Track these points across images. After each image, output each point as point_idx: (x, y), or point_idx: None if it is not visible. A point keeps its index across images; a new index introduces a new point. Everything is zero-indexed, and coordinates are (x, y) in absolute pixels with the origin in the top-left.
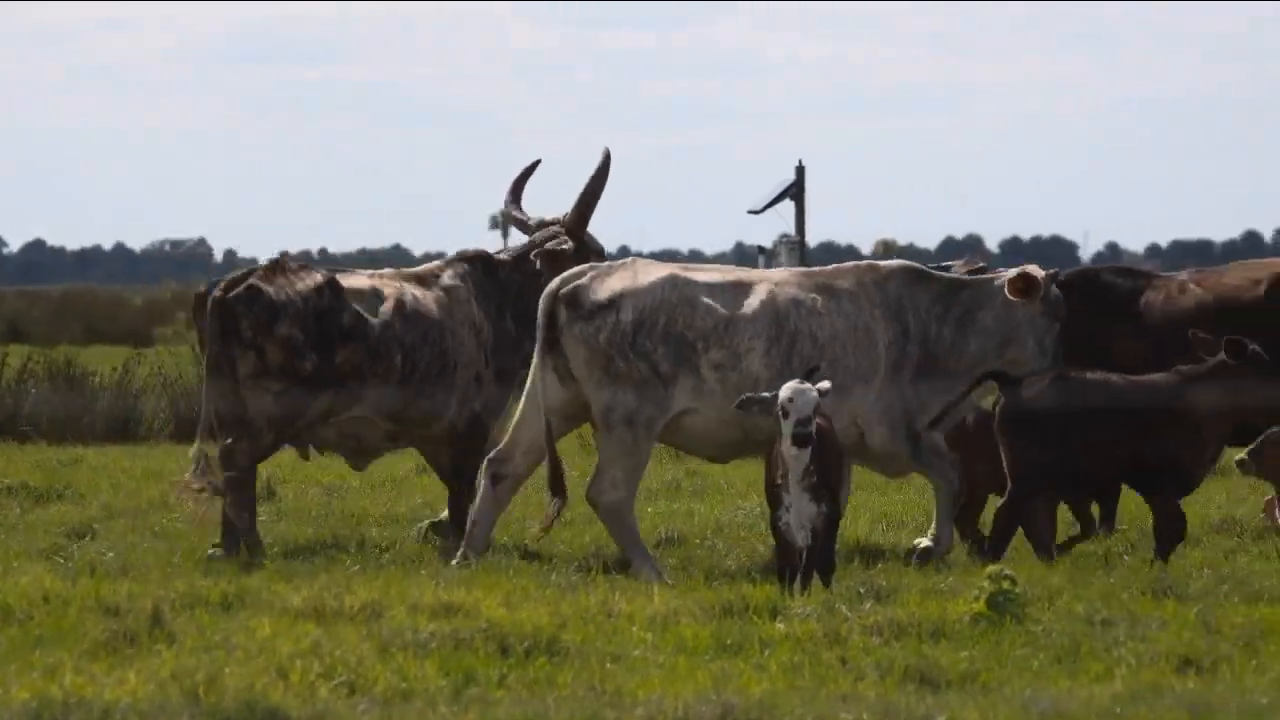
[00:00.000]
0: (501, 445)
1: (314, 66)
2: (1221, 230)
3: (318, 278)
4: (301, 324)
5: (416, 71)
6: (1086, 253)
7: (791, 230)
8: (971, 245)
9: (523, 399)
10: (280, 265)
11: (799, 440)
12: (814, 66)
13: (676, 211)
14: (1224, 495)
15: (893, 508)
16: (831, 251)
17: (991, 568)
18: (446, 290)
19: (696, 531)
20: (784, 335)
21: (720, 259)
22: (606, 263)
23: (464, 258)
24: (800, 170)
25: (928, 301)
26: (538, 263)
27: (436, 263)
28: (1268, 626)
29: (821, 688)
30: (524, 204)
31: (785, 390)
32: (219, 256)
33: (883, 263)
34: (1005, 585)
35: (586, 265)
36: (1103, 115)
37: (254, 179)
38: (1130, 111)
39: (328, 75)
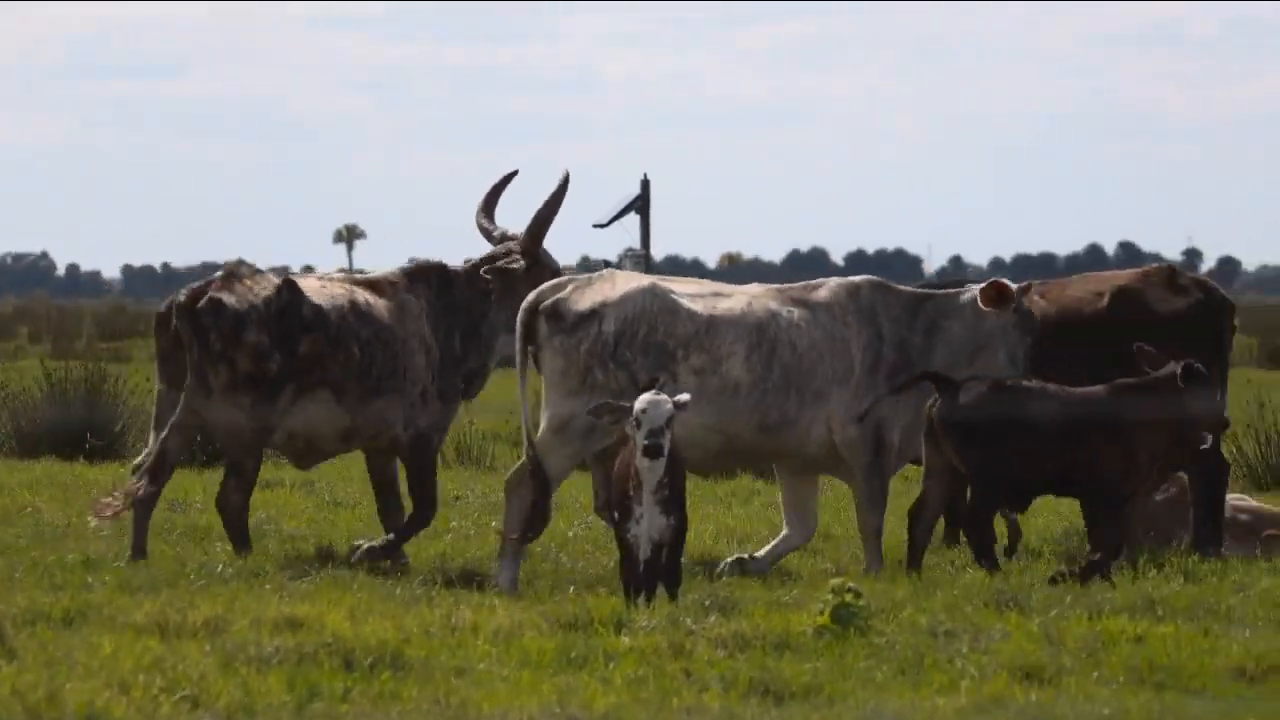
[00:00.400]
0: (519, 464)
1: (155, 80)
2: (1065, 244)
3: (274, 280)
4: (266, 328)
5: (259, 84)
6: (930, 266)
7: (637, 244)
8: (816, 258)
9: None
10: (235, 273)
11: (650, 452)
12: (658, 81)
13: (521, 225)
14: (1066, 506)
15: (736, 522)
16: (677, 265)
17: (835, 580)
18: (400, 302)
19: (540, 545)
20: (764, 341)
21: (567, 274)
22: (585, 275)
23: (421, 269)
24: (645, 184)
25: (897, 309)
26: (488, 279)
27: (393, 271)
28: (1109, 638)
29: (666, 700)
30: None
31: (640, 401)
32: (61, 270)
33: (852, 278)
34: (849, 598)
35: (566, 278)
36: (946, 129)
37: (96, 192)
38: (974, 126)
39: (169, 89)
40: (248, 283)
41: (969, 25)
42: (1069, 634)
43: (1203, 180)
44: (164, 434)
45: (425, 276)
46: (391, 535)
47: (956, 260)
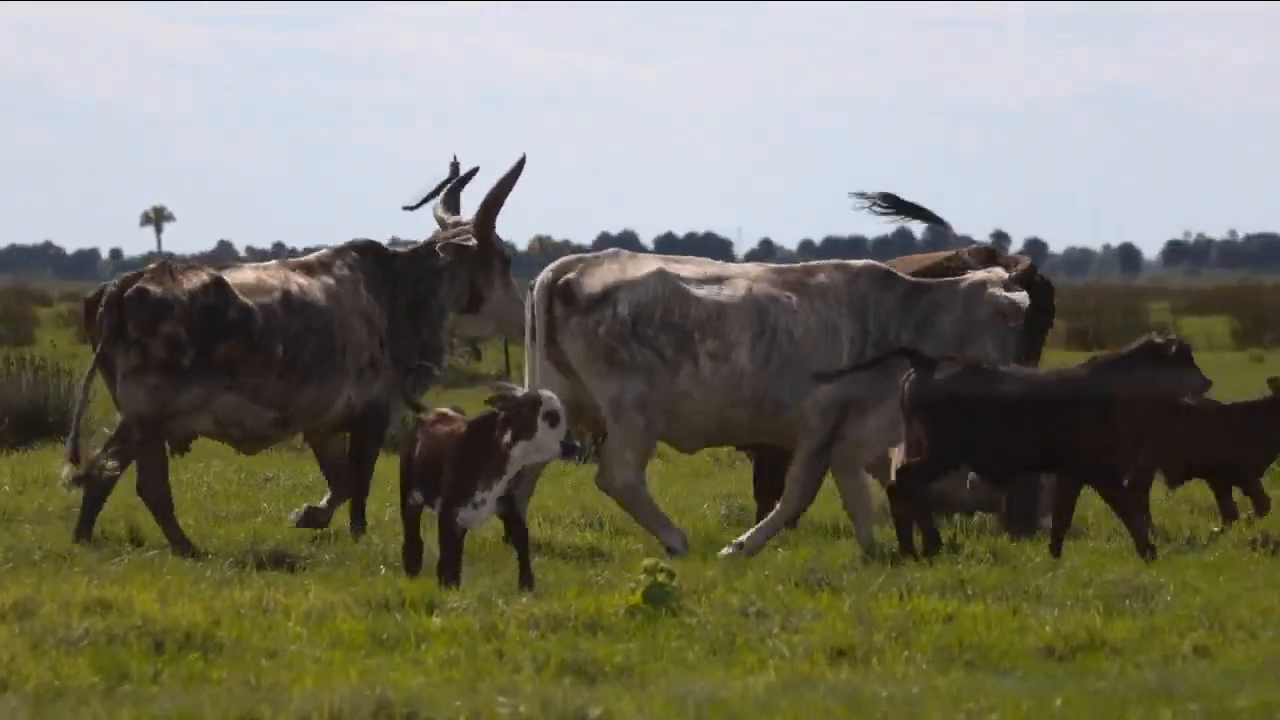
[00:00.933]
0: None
1: None
2: (874, 227)
3: (204, 276)
4: (186, 321)
5: (55, 66)
6: (741, 249)
7: None
8: (627, 241)
9: None
10: (167, 266)
11: (569, 451)
12: (468, 63)
13: (333, 208)
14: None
15: (549, 502)
16: None
17: (647, 560)
18: (337, 279)
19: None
20: (766, 330)
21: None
22: (591, 254)
23: (354, 247)
24: (455, 166)
25: (891, 303)
26: (442, 256)
27: (325, 251)
28: (919, 617)
29: (478, 681)
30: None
31: (556, 399)
32: None
33: (852, 262)
34: (661, 578)
35: (574, 257)
36: (755, 114)
37: None
38: (784, 110)
39: None
40: (179, 277)
41: (776, 10)
42: (880, 613)
43: (1010, 163)
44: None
45: (359, 250)
46: (323, 502)
47: (767, 243)
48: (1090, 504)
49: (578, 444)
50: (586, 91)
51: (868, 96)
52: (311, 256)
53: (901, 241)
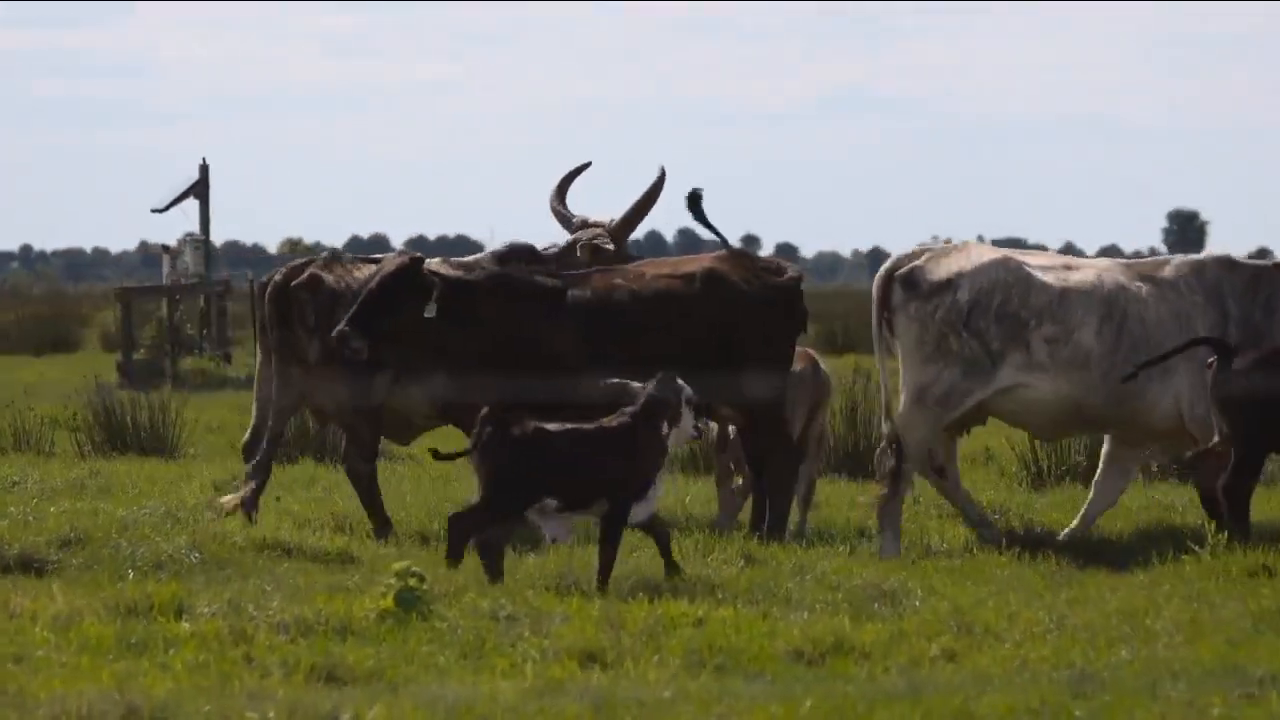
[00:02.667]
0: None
1: None
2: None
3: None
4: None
5: None
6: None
7: (196, 228)
8: (377, 244)
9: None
10: (338, 257)
11: (698, 434)
12: (215, 65)
13: (79, 210)
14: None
15: (298, 506)
16: (238, 250)
17: (397, 565)
18: None
19: (101, 529)
20: (1115, 314)
21: (124, 257)
22: (940, 245)
23: (518, 251)
24: (204, 168)
25: (1241, 288)
26: (580, 254)
27: (482, 255)
28: (669, 621)
29: (226, 686)
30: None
31: (688, 388)
32: None
33: (1198, 255)
34: (412, 582)
35: (920, 247)
36: (508, 114)
37: None
38: (539, 112)
39: None
40: (348, 267)
41: (534, 12)
42: (630, 617)
43: (762, 167)
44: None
45: (517, 254)
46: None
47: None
48: (836, 503)
49: (702, 427)
50: (337, 95)
51: (623, 99)
52: (472, 259)
53: (652, 245)
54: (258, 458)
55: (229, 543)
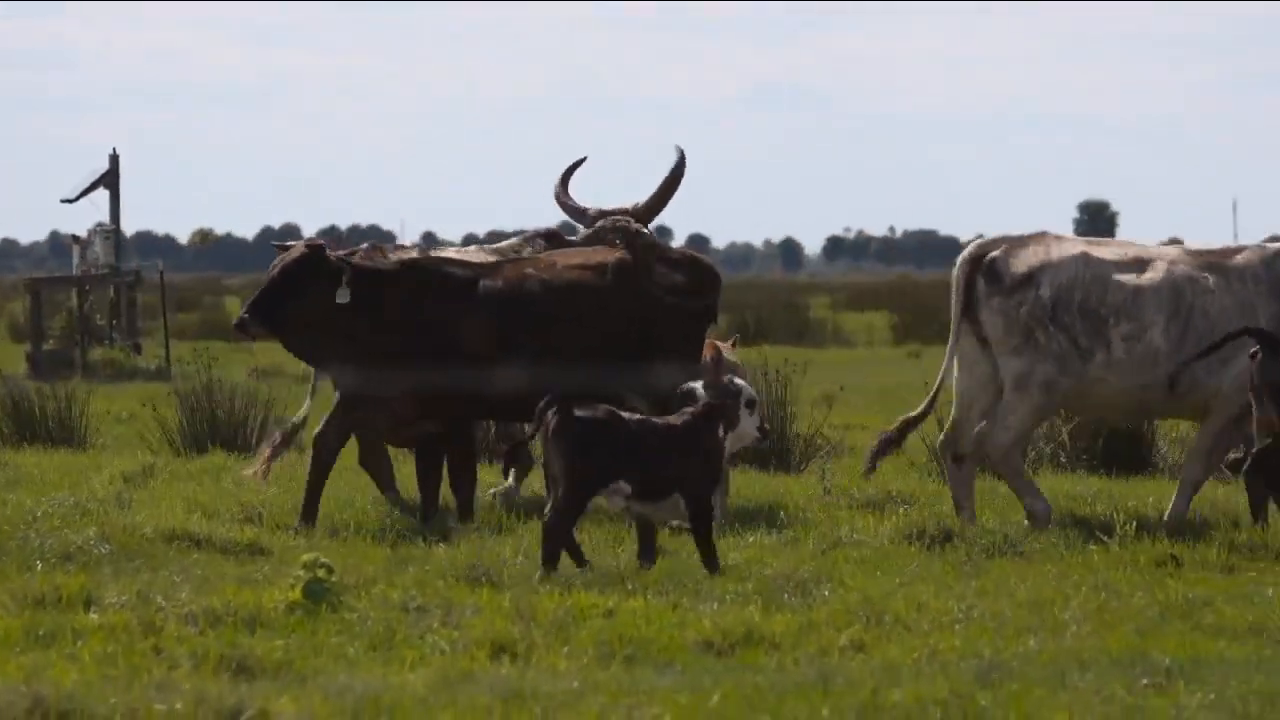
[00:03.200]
0: (949, 424)
1: None
2: (531, 220)
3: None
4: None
5: None
6: (403, 242)
7: (107, 219)
8: (289, 234)
9: (955, 374)
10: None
11: (764, 435)
12: (127, 55)
13: None
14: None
15: (206, 498)
16: (149, 240)
17: (306, 556)
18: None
19: (9, 521)
20: (1182, 309)
21: (35, 248)
22: (1017, 234)
23: (544, 235)
24: (114, 159)
25: None
26: (617, 240)
27: (514, 240)
28: (580, 612)
29: (135, 677)
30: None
31: (750, 387)
32: None
33: (1270, 244)
34: (321, 574)
35: (999, 236)
36: (418, 107)
37: None
38: (448, 104)
39: None
40: (385, 252)
41: (442, 8)
42: (540, 609)
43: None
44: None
45: (545, 237)
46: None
47: (430, 236)
48: (746, 494)
49: (768, 427)
50: (249, 85)
51: (538, 92)
52: (504, 244)
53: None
54: None
55: (138, 534)
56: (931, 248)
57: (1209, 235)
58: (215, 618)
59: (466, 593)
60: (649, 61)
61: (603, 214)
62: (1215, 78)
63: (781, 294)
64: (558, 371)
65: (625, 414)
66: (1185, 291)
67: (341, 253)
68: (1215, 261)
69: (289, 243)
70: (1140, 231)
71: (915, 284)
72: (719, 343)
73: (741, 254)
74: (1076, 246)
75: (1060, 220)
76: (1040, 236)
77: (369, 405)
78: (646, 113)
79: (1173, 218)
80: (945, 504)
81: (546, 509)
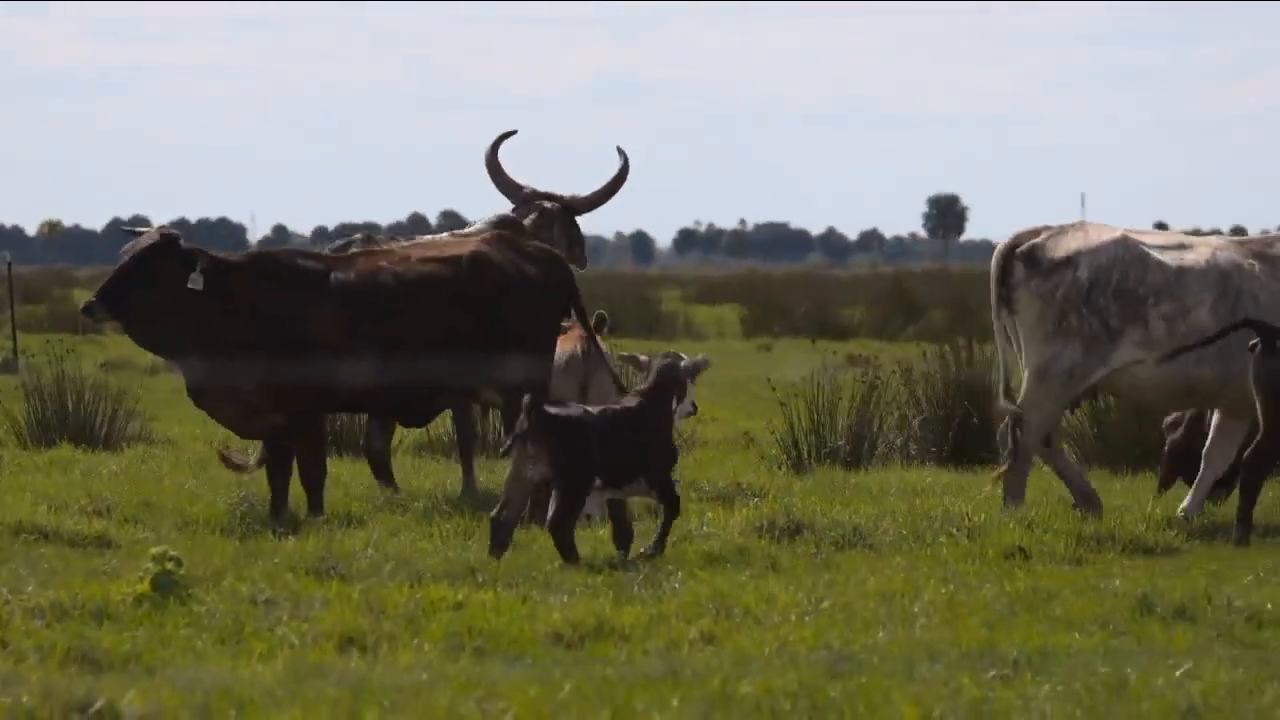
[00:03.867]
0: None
1: None
2: (387, 213)
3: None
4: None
5: None
6: (255, 235)
7: None
8: (139, 225)
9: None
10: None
11: (694, 409)
12: None
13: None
14: (401, 474)
15: (54, 489)
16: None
17: (155, 549)
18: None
19: None
20: (1229, 292)
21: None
22: (1058, 224)
23: (506, 221)
24: None
25: None
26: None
27: (479, 225)
28: (429, 605)
29: None
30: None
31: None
32: None
33: None
34: (169, 566)
35: (1040, 225)
36: (271, 100)
37: None
38: (295, 99)
39: None
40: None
41: None
42: (390, 601)
43: (527, 152)
44: None
45: (509, 226)
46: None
47: (281, 229)
48: None
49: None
50: (98, 76)
51: (388, 86)
52: (469, 229)
53: (415, 228)
54: None
55: None
56: (782, 241)
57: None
58: (63, 610)
59: (315, 586)
60: (498, 55)
61: (537, 195)
62: (1063, 73)
63: (633, 287)
64: (409, 364)
65: (590, 407)
66: (1233, 275)
67: (338, 243)
68: (1259, 250)
69: (139, 229)
70: (991, 226)
71: (766, 277)
72: (583, 333)
73: (593, 246)
74: (1116, 232)
75: (909, 215)
76: (1080, 225)
77: (216, 397)
78: (495, 107)
79: (1022, 212)
80: (795, 496)
81: (495, 510)
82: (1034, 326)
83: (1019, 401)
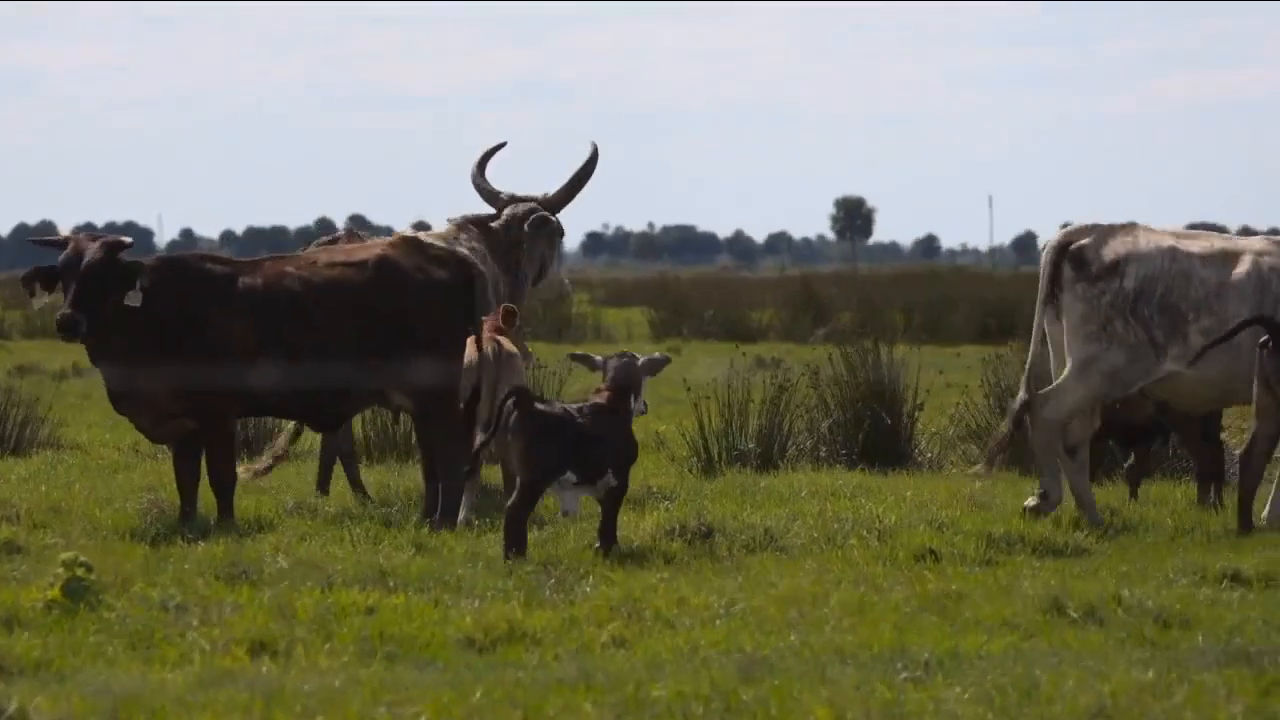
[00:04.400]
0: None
1: None
2: (295, 217)
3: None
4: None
5: None
6: (162, 239)
7: None
8: (43, 231)
9: (1030, 362)
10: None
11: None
12: None
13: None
14: (308, 478)
15: None
16: None
17: (65, 555)
18: (472, 250)
19: None
20: (1265, 303)
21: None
22: (1106, 224)
23: (473, 221)
24: None
25: None
26: (527, 230)
27: (449, 227)
28: (340, 609)
29: None
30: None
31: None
32: None
33: None
34: (79, 572)
35: (1088, 224)
36: (176, 103)
37: None
38: (200, 101)
39: None
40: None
41: (196, 3)
42: (301, 606)
43: (437, 154)
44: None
45: (477, 225)
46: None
47: (188, 233)
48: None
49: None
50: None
51: (297, 88)
52: (437, 232)
53: (323, 231)
54: None
55: None
56: (690, 244)
57: (967, 232)
58: None
59: (226, 591)
60: (404, 55)
61: (514, 199)
62: (969, 75)
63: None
64: (315, 368)
65: (568, 405)
66: (1272, 282)
67: (324, 239)
68: None
69: (50, 237)
70: (898, 228)
71: (674, 280)
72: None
73: None
74: (1165, 240)
75: (817, 218)
76: (1130, 227)
77: (132, 401)
78: (407, 107)
79: (928, 215)
80: (706, 499)
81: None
82: (1078, 325)
83: (1051, 386)
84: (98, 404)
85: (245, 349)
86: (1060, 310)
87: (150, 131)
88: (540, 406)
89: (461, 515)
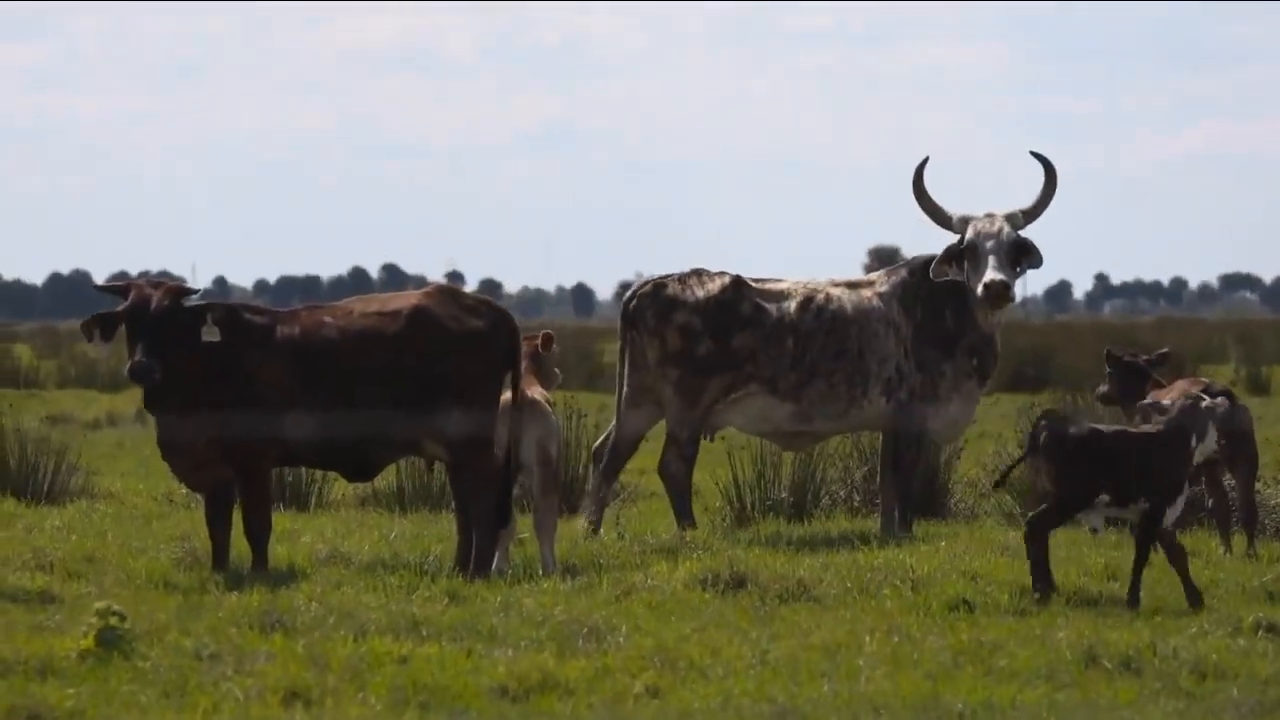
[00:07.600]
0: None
1: None
2: (328, 266)
3: (725, 279)
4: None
5: None
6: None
7: None
8: (78, 280)
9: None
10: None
11: None
12: None
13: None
14: (344, 527)
15: (3, 545)
16: None
17: (99, 604)
18: (877, 294)
19: None
20: None
21: None
22: None
23: (908, 266)
24: None
25: None
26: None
27: (881, 272)
28: (374, 658)
29: None
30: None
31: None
32: None
33: None
34: (113, 621)
35: None
36: (212, 149)
37: None
38: (230, 149)
39: None
40: (694, 280)
41: (229, 45)
42: (334, 655)
43: (462, 203)
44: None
45: (910, 269)
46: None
47: (221, 281)
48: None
49: None
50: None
51: (323, 136)
52: (868, 276)
53: (356, 282)
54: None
55: None
56: None
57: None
58: (6, 666)
59: (259, 639)
60: (431, 105)
61: (964, 220)
62: (1000, 122)
63: (574, 339)
64: (351, 417)
65: (1107, 427)
66: None
67: (657, 276)
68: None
69: (117, 283)
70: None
71: None
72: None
73: (534, 299)
74: None
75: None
76: None
77: (179, 448)
78: (430, 157)
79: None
80: (738, 549)
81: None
82: None
83: None
84: (131, 453)
85: (281, 398)
86: None
87: (183, 179)
88: (1074, 429)
89: (495, 565)
